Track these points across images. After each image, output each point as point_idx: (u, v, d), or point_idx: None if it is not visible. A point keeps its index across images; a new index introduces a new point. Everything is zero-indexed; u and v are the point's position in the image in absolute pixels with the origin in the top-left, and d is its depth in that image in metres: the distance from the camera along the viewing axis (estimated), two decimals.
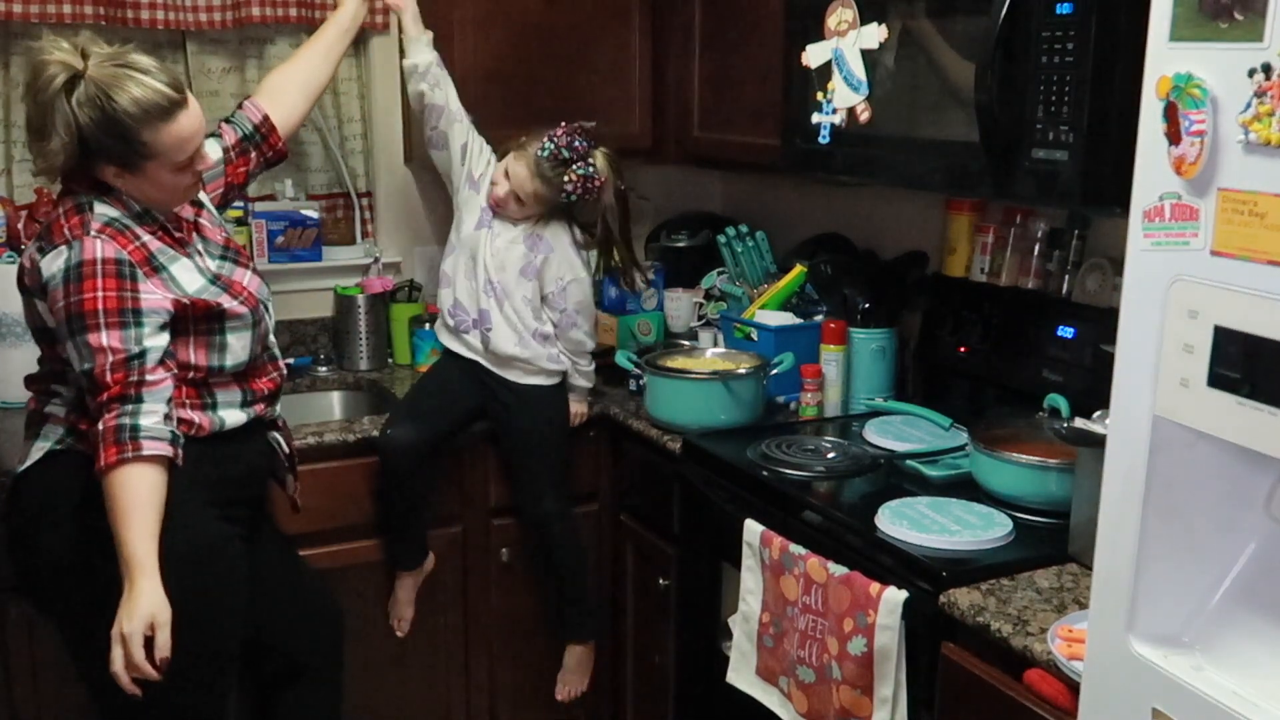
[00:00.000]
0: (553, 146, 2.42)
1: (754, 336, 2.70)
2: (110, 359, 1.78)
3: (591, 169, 2.45)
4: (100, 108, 1.75)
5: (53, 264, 1.81)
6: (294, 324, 2.98)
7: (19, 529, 1.97)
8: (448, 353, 2.60)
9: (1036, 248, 2.35)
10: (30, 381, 2.01)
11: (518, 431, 2.55)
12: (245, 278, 2.02)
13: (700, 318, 3.04)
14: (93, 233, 1.81)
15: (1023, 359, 2.30)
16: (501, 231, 2.52)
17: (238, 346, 1.96)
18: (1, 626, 2.24)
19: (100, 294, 1.78)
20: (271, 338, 2.08)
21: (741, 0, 2.69)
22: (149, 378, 1.80)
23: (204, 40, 2.79)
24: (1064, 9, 1.75)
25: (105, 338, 1.78)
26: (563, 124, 2.46)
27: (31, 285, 1.87)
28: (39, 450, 1.93)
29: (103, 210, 1.85)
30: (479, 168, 2.56)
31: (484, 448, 2.61)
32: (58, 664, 2.27)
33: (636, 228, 3.37)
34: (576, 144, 2.44)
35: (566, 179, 2.43)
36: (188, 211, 1.99)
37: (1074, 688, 1.45)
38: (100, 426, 1.77)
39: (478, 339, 2.53)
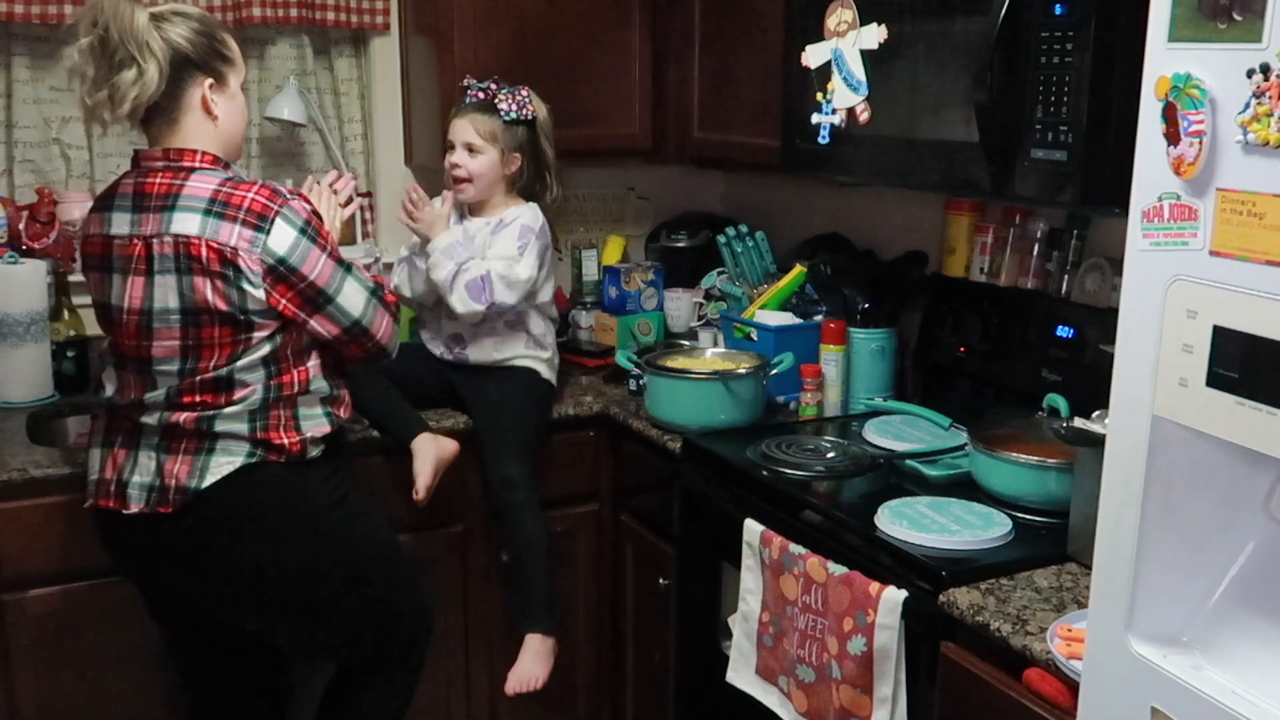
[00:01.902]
0: (475, 90, 2.55)
1: (754, 336, 2.70)
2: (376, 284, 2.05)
3: (515, 89, 2.54)
4: (185, 16, 1.92)
5: (286, 236, 1.88)
6: None
7: (225, 542, 1.97)
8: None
9: (1036, 248, 2.35)
10: (182, 393, 1.92)
11: (489, 402, 2.54)
12: None
13: (700, 318, 3.04)
14: (286, 194, 1.92)
15: (1022, 359, 2.31)
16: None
17: None
18: (2, 627, 2.24)
19: (330, 240, 1.98)
20: None
21: (741, 1, 2.69)
22: None
23: None
24: (1063, 10, 1.75)
25: (358, 269, 2.02)
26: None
27: (252, 268, 1.86)
28: (225, 464, 1.92)
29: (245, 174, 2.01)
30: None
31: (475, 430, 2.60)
32: (59, 664, 2.29)
33: (636, 228, 3.40)
34: (492, 84, 2.54)
35: (499, 101, 2.51)
36: None
37: (1073, 687, 1.45)
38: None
39: (460, 357, 2.60)
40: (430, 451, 2.45)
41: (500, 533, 2.58)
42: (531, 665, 2.46)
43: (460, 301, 2.44)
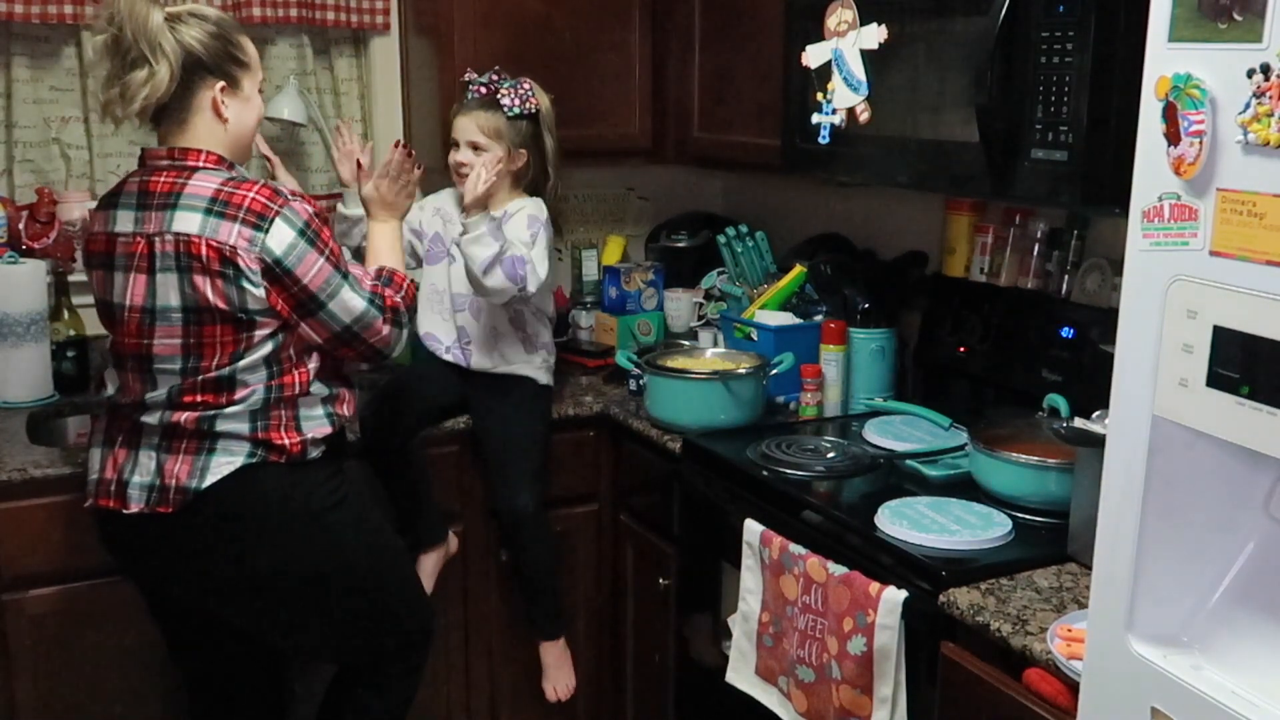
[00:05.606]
0: (476, 86, 2.51)
1: (754, 336, 2.70)
2: (373, 283, 2.03)
3: (518, 82, 2.51)
4: (202, 18, 1.93)
5: (284, 236, 1.88)
6: None
7: (226, 543, 1.96)
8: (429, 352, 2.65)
9: (1036, 248, 2.35)
10: (183, 393, 1.93)
11: (497, 424, 2.54)
12: None
13: (700, 318, 3.04)
14: (287, 195, 1.92)
15: (1022, 359, 2.31)
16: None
17: None
18: (2, 626, 2.24)
19: (331, 243, 1.96)
20: None
21: (741, 1, 2.69)
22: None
23: None
24: (1063, 10, 1.75)
25: (357, 271, 2.01)
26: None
27: (251, 266, 1.86)
28: (226, 465, 1.92)
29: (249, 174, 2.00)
30: (413, 221, 2.61)
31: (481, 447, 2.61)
32: (59, 664, 2.29)
33: (636, 228, 3.40)
34: (493, 75, 2.51)
35: (501, 97, 2.48)
36: None
37: (1073, 687, 1.45)
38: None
39: (458, 357, 2.59)
40: (437, 566, 2.53)
41: (501, 533, 2.59)
42: (559, 673, 2.65)
43: (496, 280, 2.34)
